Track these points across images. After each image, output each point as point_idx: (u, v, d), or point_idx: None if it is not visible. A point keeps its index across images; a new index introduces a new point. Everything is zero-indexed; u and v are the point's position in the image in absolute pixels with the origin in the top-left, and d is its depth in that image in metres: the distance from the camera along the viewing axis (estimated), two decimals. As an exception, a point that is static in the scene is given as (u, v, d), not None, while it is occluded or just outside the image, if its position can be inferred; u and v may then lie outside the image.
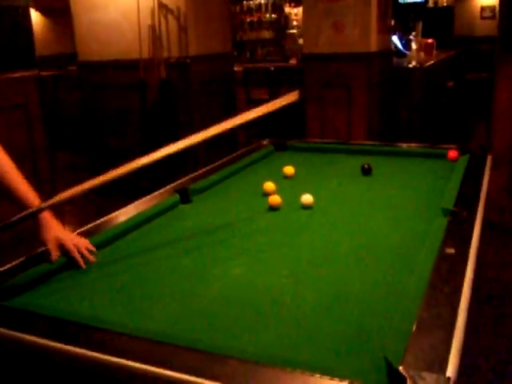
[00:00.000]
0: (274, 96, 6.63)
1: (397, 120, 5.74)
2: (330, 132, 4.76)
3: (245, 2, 8.79)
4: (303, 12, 4.97)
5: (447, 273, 1.42)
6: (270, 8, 8.74)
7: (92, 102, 5.47)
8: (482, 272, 3.49)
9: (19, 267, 1.56)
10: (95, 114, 5.46)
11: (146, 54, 5.03)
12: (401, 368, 1.03)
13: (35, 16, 8.53)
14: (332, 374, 1.03)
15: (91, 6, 5.20)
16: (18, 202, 1.62)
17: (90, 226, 1.89)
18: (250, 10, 8.81)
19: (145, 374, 1.08)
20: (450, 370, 1.02)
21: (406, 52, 7.16)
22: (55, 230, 1.64)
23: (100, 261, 1.66)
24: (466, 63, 8.54)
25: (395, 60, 6.52)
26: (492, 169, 4.01)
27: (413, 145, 2.99)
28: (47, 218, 1.64)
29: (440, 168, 2.53)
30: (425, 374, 1.01)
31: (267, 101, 5.89)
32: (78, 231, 1.81)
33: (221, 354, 1.11)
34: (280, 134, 5.77)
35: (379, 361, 1.08)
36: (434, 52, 7.51)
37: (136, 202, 2.14)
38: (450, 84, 6.93)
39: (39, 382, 1.28)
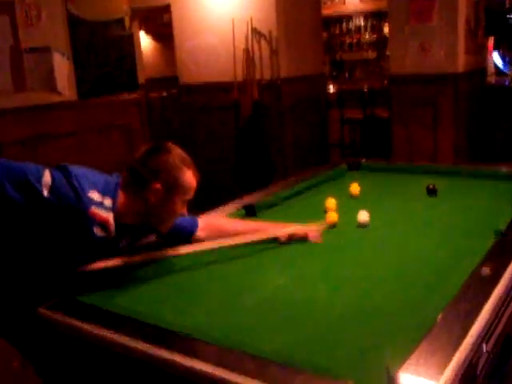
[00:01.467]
0: (367, 116, 6.66)
1: (494, 140, 5.56)
2: (417, 152, 4.73)
3: (344, 24, 8.88)
4: (390, 33, 5.01)
5: (474, 292, 1.45)
6: (369, 29, 8.77)
7: (190, 121, 5.82)
8: None
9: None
10: (193, 132, 5.80)
11: (239, 77, 5.28)
12: (398, 375, 1.10)
13: (146, 40, 9.17)
14: (337, 376, 1.14)
15: (191, 31, 5.57)
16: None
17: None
18: (349, 31, 8.88)
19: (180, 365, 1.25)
20: (444, 380, 1.08)
21: (507, 71, 6.88)
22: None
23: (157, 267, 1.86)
24: None
25: (496, 79, 6.32)
26: None
27: (489, 166, 2.93)
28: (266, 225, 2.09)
29: (509, 190, 2.49)
30: (418, 380, 1.08)
31: (361, 121, 5.91)
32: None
33: (238, 350, 1.25)
34: (374, 153, 5.81)
35: (383, 368, 1.16)
36: (542, 70, 7.14)
37: (205, 214, 2.32)
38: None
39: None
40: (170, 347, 1.29)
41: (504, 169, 2.84)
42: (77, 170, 1.69)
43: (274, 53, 5.17)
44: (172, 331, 1.38)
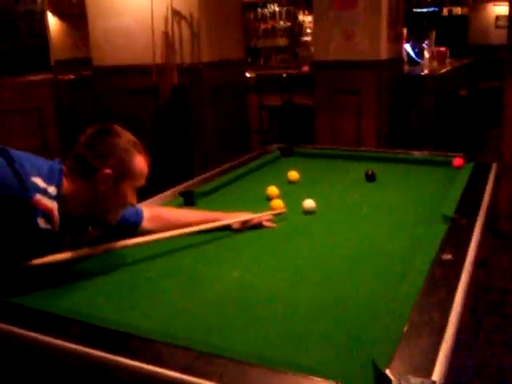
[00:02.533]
0: (286, 102, 6.66)
1: (408, 127, 5.74)
2: (340, 139, 4.77)
3: (259, 10, 8.84)
4: (314, 20, 5.00)
5: (441, 278, 1.43)
6: (284, 16, 8.79)
7: (105, 106, 5.54)
8: (486, 280, 3.47)
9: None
10: (108, 117, 5.51)
11: (159, 60, 5.07)
12: (387, 371, 1.04)
13: (53, 21, 8.64)
14: (320, 376, 1.05)
15: (106, 12, 5.27)
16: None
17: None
18: (264, 18, 8.85)
19: (137, 370, 1.10)
20: (437, 375, 1.03)
21: (419, 60, 7.15)
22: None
23: (103, 261, 1.69)
24: (479, 72, 8.49)
25: (408, 68, 6.52)
26: (501, 178, 4.01)
27: (419, 152, 2.99)
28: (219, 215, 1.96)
29: (444, 175, 2.54)
30: (410, 378, 1.02)
31: (280, 107, 5.93)
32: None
33: (211, 352, 1.13)
34: (293, 140, 5.81)
35: (368, 364, 1.09)
36: (447, 60, 7.49)
37: (142, 203, 2.16)
38: (463, 92, 6.91)
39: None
40: (127, 352, 1.15)
41: (436, 155, 2.91)
42: (17, 152, 1.50)
43: (194, 36, 5.00)
44: (126, 333, 1.23)
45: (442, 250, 1.60)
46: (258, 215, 2.00)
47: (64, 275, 1.59)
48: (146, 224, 1.85)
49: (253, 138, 6.59)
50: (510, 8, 3.94)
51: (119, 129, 1.63)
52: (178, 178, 3.14)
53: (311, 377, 1.04)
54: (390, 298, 1.38)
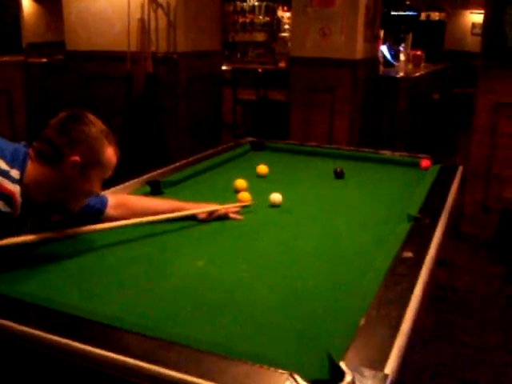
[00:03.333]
0: (261, 97, 6.66)
1: (380, 128, 5.80)
2: (313, 135, 4.79)
3: (238, 3, 8.81)
4: (292, 16, 5.00)
5: (401, 275, 1.45)
6: (262, 10, 8.78)
7: (77, 91, 5.45)
8: (448, 280, 3.54)
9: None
10: (80, 103, 5.43)
11: (133, 47, 5.01)
12: (341, 363, 1.05)
13: (27, 2, 8.48)
14: (276, 366, 1.05)
15: (82, -6, 5.19)
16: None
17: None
18: (243, 11, 8.84)
19: (96, 356, 1.09)
20: (389, 368, 1.05)
21: (395, 62, 7.23)
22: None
23: (65, 246, 1.67)
24: (454, 77, 8.62)
25: (383, 69, 6.59)
26: (466, 181, 4.08)
27: (389, 152, 3.02)
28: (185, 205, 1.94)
29: (412, 176, 2.57)
30: (364, 370, 1.03)
31: (254, 102, 5.92)
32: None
33: (167, 340, 1.12)
34: (267, 135, 5.82)
35: (324, 356, 1.10)
36: (423, 64, 7.58)
37: (107, 191, 2.14)
38: (436, 96, 7.01)
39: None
40: (86, 338, 1.13)
41: (404, 156, 2.94)
42: None
43: (171, 25, 4.96)
44: (85, 319, 1.22)
45: (403, 247, 1.62)
46: (225, 206, 1.99)
47: (25, 259, 1.56)
48: (110, 211, 1.83)
49: (226, 131, 6.58)
50: (484, 16, 4.00)
51: (92, 117, 1.61)
52: (149, 168, 3.12)
53: (265, 367, 1.04)
54: (350, 292, 1.39)
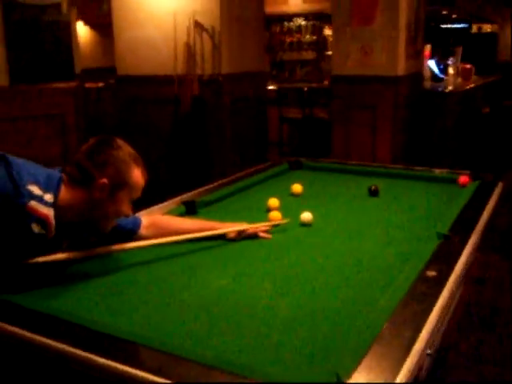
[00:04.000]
0: (306, 115, 6.69)
1: (429, 144, 5.71)
2: (355, 153, 4.78)
3: (285, 23, 8.91)
4: (333, 35, 5.04)
5: (421, 294, 1.44)
6: (309, 29, 8.84)
7: (127, 114, 5.65)
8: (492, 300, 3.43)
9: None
10: (130, 125, 5.62)
11: (180, 71, 5.17)
12: (348, 381, 1.06)
13: (84, 30, 8.86)
14: (282, 384, 1.08)
15: (132, 22, 5.39)
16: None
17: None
18: (290, 31, 8.92)
19: (112, 369, 1.15)
20: (395, 388, 1.05)
21: (443, 77, 7.12)
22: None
23: (95, 265, 1.75)
24: (506, 89, 8.40)
25: (431, 84, 6.51)
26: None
27: (425, 169, 2.99)
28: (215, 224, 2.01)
29: (448, 193, 2.53)
30: (369, 389, 1.04)
31: (300, 120, 5.97)
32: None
33: (180, 356, 1.17)
34: (312, 153, 5.84)
35: (333, 375, 1.11)
36: (472, 77, 7.43)
37: (141, 212, 2.22)
38: (486, 110, 6.85)
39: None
40: (106, 352, 1.19)
41: (442, 172, 2.90)
42: (17, 160, 1.57)
43: (215, 48, 5.09)
44: (108, 335, 1.28)
45: (427, 266, 1.61)
46: (254, 226, 2.03)
47: (58, 278, 1.64)
48: (143, 231, 1.91)
49: (272, 149, 6.64)
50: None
51: (120, 141, 1.70)
52: (195, 189, 3.18)
53: (271, 384, 1.07)
54: (367, 311, 1.39)
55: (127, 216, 1.75)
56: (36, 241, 1.57)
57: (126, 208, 1.69)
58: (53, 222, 1.57)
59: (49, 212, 1.56)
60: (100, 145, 1.65)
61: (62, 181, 1.62)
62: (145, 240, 1.85)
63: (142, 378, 1.11)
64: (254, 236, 2.01)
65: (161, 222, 1.99)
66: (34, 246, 1.58)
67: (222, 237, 1.98)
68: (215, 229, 1.98)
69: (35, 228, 1.54)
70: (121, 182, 1.63)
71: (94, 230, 1.73)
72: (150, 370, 1.12)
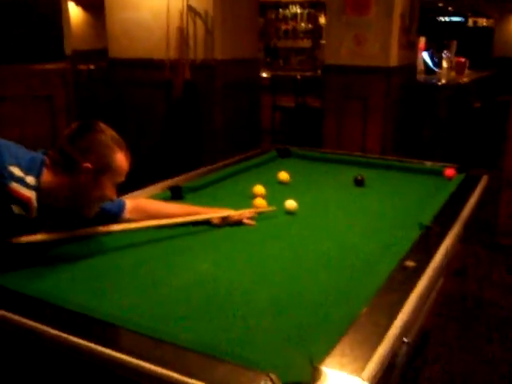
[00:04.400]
0: (299, 104, 6.68)
1: (420, 137, 5.72)
2: (346, 143, 4.79)
3: (281, 10, 8.86)
4: (326, 23, 5.02)
5: (399, 284, 1.45)
6: (305, 17, 8.81)
7: (118, 97, 5.62)
8: (479, 293, 3.47)
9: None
10: (121, 108, 5.60)
11: (172, 55, 5.14)
12: (320, 367, 1.07)
13: (76, 11, 8.78)
14: (256, 368, 1.08)
15: (123, 4, 5.36)
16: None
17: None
18: (285, 19, 8.89)
19: (95, 352, 1.16)
20: (367, 374, 1.06)
21: (436, 69, 7.12)
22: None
23: (78, 248, 1.75)
24: (500, 84, 8.42)
25: (424, 77, 6.51)
26: (503, 191, 3.98)
27: (413, 160, 3.00)
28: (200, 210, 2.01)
29: (433, 185, 2.54)
30: (341, 374, 1.06)
31: (293, 109, 5.97)
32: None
33: (158, 338, 1.18)
34: (304, 141, 5.84)
35: (306, 359, 1.12)
36: (466, 71, 7.44)
37: (126, 195, 2.22)
38: (477, 104, 6.86)
39: None
40: (87, 334, 1.20)
41: (429, 164, 2.91)
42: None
43: (209, 33, 5.06)
44: (89, 317, 1.28)
45: (407, 256, 1.62)
46: (239, 212, 2.03)
47: (41, 259, 1.64)
48: (127, 215, 1.90)
49: (265, 137, 6.63)
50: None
51: (103, 125, 1.69)
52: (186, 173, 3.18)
53: (244, 367, 1.07)
54: (345, 299, 1.40)
55: (111, 200, 1.74)
56: (16, 222, 1.57)
57: (110, 192, 1.68)
58: (35, 204, 1.57)
59: (31, 194, 1.56)
60: (82, 129, 1.64)
61: (45, 164, 1.61)
62: (129, 223, 1.85)
63: (121, 360, 1.12)
64: (238, 222, 2.02)
65: (145, 206, 1.98)
66: (15, 227, 1.57)
67: (206, 222, 1.99)
68: (200, 214, 1.99)
69: (15, 209, 1.54)
70: (104, 167, 1.62)
71: (78, 214, 1.73)
72: (128, 353, 1.13)
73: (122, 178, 1.70)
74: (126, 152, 1.69)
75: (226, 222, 2.00)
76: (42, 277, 1.53)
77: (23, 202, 1.55)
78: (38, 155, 1.64)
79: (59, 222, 1.76)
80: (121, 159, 1.66)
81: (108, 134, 1.65)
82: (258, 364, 1.10)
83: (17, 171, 1.54)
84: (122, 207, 1.90)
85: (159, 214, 1.94)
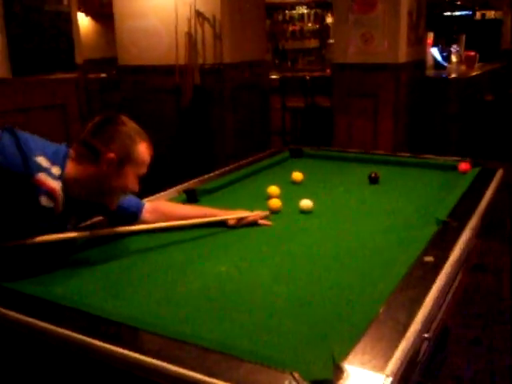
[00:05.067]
0: (309, 104, 6.68)
1: (432, 132, 5.69)
2: (357, 141, 4.78)
3: (287, 12, 8.87)
4: (334, 23, 5.02)
5: (418, 279, 1.45)
6: (312, 18, 8.81)
7: (129, 104, 5.66)
8: (499, 289, 3.44)
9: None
10: (132, 116, 5.63)
11: (181, 60, 5.16)
12: (343, 364, 1.08)
13: (86, 21, 8.84)
14: (279, 366, 1.09)
15: (132, 12, 5.39)
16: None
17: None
18: (292, 20, 8.89)
19: (113, 354, 1.17)
20: (390, 370, 1.06)
21: (446, 64, 7.08)
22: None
23: (96, 250, 1.77)
24: (511, 77, 8.35)
25: (434, 72, 6.48)
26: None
27: (427, 156, 2.99)
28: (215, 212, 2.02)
29: (448, 180, 2.53)
30: (363, 371, 1.06)
31: (303, 109, 5.95)
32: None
33: (179, 339, 1.19)
34: (315, 141, 5.83)
35: (329, 357, 1.13)
36: (476, 65, 7.39)
37: (145, 199, 2.24)
38: (489, 98, 6.81)
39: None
40: (109, 338, 1.21)
41: (442, 159, 2.90)
42: (24, 133, 1.60)
43: (217, 37, 5.08)
44: (109, 320, 1.30)
45: (425, 251, 1.62)
46: (255, 213, 2.04)
47: (61, 263, 1.67)
48: (146, 215, 1.93)
49: (275, 139, 6.63)
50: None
51: (125, 118, 1.72)
52: (198, 177, 3.19)
53: (267, 365, 1.08)
54: (365, 296, 1.40)
55: (134, 192, 1.76)
56: (43, 215, 1.59)
57: (132, 183, 1.70)
58: (61, 194, 1.59)
59: (57, 185, 1.58)
60: (105, 122, 1.67)
61: (69, 156, 1.64)
62: (147, 224, 1.88)
63: (142, 361, 1.13)
64: (254, 223, 2.03)
65: (163, 208, 2.01)
66: (41, 221, 1.60)
67: (222, 224, 2.00)
68: (216, 216, 2.00)
69: (43, 201, 1.56)
70: (127, 156, 1.65)
71: (101, 207, 1.75)
72: (149, 354, 1.14)
73: (144, 170, 1.72)
74: (148, 143, 1.71)
75: (241, 223, 2.01)
76: (59, 281, 1.56)
77: (50, 193, 1.57)
78: (62, 147, 1.67)
79: (83, 217, 1.78)
80: (143, 150, 1.68)
81: (130, 125, 1.68)
82: (281, 363, 1.10)
83: (44, 162, 1.56)
84: (140, 207, 1.93)
85: (177, 216, 1.96)
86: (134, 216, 1.90)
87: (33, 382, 1.40)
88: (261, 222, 2.04)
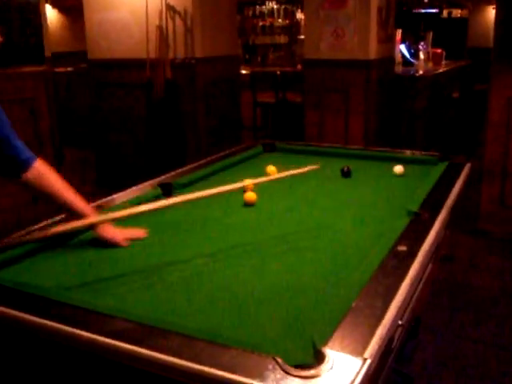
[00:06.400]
0: (280, 99, 6.72)
1: (399, 127, 5.81)
2: (328, 136, 4.84)
3: (257, 7, 8.89)
4: (305, 18, 5.06)
5: (392, 268, 1.50)
6: (282, 13, 8.85)
7: (99, 99, 5.61)
8: (463, 277, 3.54)
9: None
10: (102, 110, 5.59)
11: (152, 54, 5.14)
12: (323, 349, 1.11)
13: (53, 14, 8.71)
14: (261, 352, 1.12)
15: (102, 5, 5.34)
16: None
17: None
18: (262, 15, 8.92)
19: (92, 341, 1.19)
20: (369, 354, 1.10)
21: (413, 61, 7.21)
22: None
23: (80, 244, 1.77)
24: (476, 74, 8.55)
25: (402, 69, 6.59)
26: (483, 179, 4.07)
27: (396, 150, 3.06)
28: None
29: (417, 173, 2.60)
30: (343, 355, 1.10)
31: (273, 104, 5.99)
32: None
33: (161, 327, 1.21)
34: (286, 136, 5.87)
35: (309, 343, 1.16)
36: (443, 62, 7.54)
37: (119, 194, 2.24)
38: (455, 94, 6.97)
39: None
40: (89, 327, 1.22)
41: (411, 154, 2.97)
42: None
43: (188, 31, 5.07)
44: (90, 310, 1.31)
45: (398, 242, 1.67)
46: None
47: (34, 253, 1.67)
48: (33, 172, 1.76)
49: (247, 134, 6.67)
50: (496, 12, 4.00)
51: None
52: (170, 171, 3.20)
53: (250, 351, 1.11)
54: (342, 284, 1.44)
55: None
56: None
57: None
58: None
59: None
60: None
61: None
62: (28, 187, 1.78)
63: (126, 349, 1.15)
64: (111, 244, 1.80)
65: (48, 177, 1.79)
66: None
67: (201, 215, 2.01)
68: (88, 216, 1.78)
69: None
70: None
71: None
72: (133, 342, 1.16)
73: None
74: None
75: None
76: (35, 272, 1.56)
77: None
78: None
79: None
80: None
81: None
82: (263, 349, 1.13)
83: None
84: (32, 159, 1.77)
85: (52, 192, 1.78)
86: (22, 166, 1.74)
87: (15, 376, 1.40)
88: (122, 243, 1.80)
